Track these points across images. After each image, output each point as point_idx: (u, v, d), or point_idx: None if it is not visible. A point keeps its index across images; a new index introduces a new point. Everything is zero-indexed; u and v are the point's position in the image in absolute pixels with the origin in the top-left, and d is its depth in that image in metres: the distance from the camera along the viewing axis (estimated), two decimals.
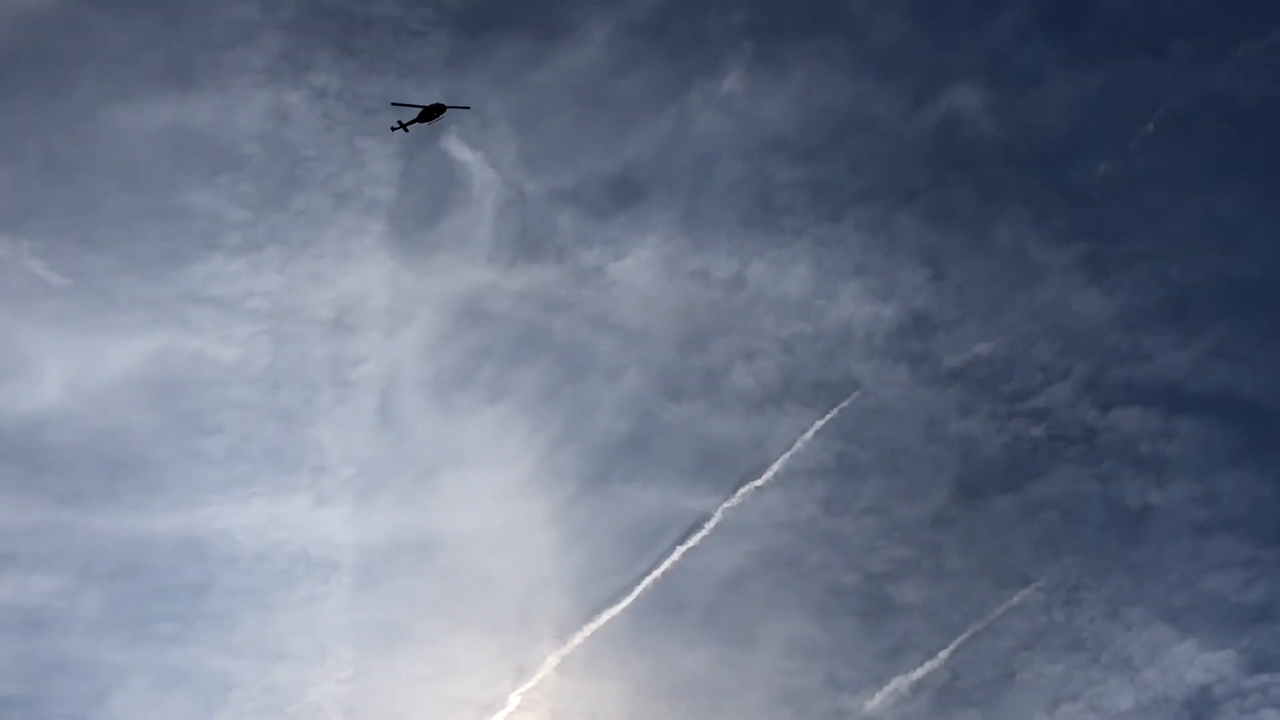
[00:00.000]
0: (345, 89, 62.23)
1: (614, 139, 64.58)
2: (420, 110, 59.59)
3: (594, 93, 64.56)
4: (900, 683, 58.33)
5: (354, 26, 62.42)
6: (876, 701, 58.03)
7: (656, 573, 60.65)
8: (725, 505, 61.09)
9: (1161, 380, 59.18)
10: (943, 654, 58.32)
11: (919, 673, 58.29)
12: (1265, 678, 54.71)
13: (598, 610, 60.37)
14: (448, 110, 59.90)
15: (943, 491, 60.39)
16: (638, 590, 60.52)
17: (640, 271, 63.34)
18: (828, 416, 61.34)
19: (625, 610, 60.25)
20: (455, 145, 63.27)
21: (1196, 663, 55.65)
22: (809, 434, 61.30)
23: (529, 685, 59.83)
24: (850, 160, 63.49)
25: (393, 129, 60.13)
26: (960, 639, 58.39)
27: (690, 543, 60.86)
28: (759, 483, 61.31)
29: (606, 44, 64.29)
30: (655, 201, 64.07)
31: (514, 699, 59.58)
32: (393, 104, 59.79)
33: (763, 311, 62.87)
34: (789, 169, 63.52)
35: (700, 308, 63.18)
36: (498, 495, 62.53)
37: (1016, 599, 58.41)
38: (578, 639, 60.24)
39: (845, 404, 61.47)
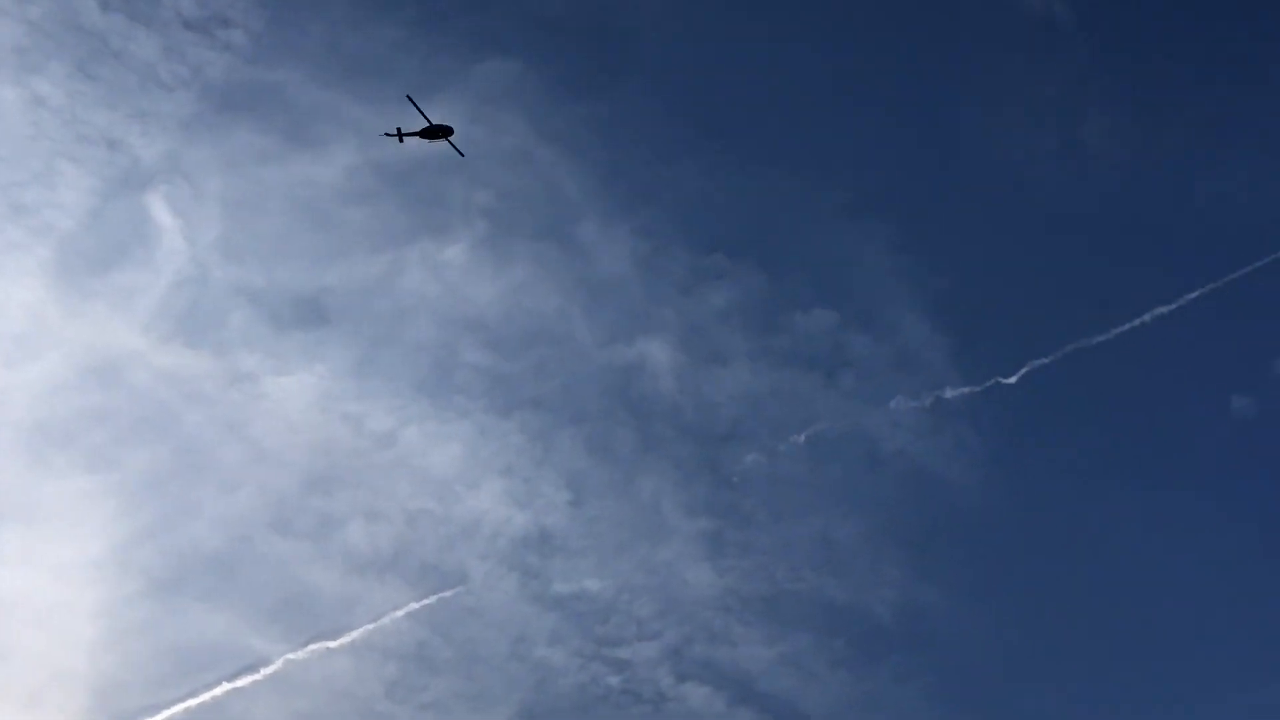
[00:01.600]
0: (66, 108, 59.58)
1: (320, 260, 64.22)
2: (430, 126, 58.42)
3: (318, 210, 64.45)
4: None
5: (103, 54, 60.26)
6: None
7: (192, 702, 56.81)
8: (289, 656, 58.41)
9: (739, 669, 61.60)
10: None
11: None
12: None
13: None
14: (450, 140, 59.20)
15: (507, 709, 60.01)
16: (164, 714, 56.40)
17: (296, 395, 61.98)
18: (424, 601, 60.43)
19: None
20: (159, 206, 61.23)
21: None
22: (400, 612, 60.07)
23: None
24: (537, 366, 65.10)
25: (387, 134, 58.99)
26: None
27: (239, 682, 57.59)
28: (333, 644, 59.18)
29: (347, 170, 64.54)
30: (337, 334, 63.68)
31: None
32: (408, 96, 57.60)
33: (401, 477, 62.41)
34: (477, 352, 64.53)
35: (341, 451, 62.11)
36: (57, 566, 57.88)
37: None
38: None
39: (447, 594, 60.82)
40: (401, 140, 59.74)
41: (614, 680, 60.88)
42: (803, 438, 64.57)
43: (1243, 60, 68.98)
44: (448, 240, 65.54)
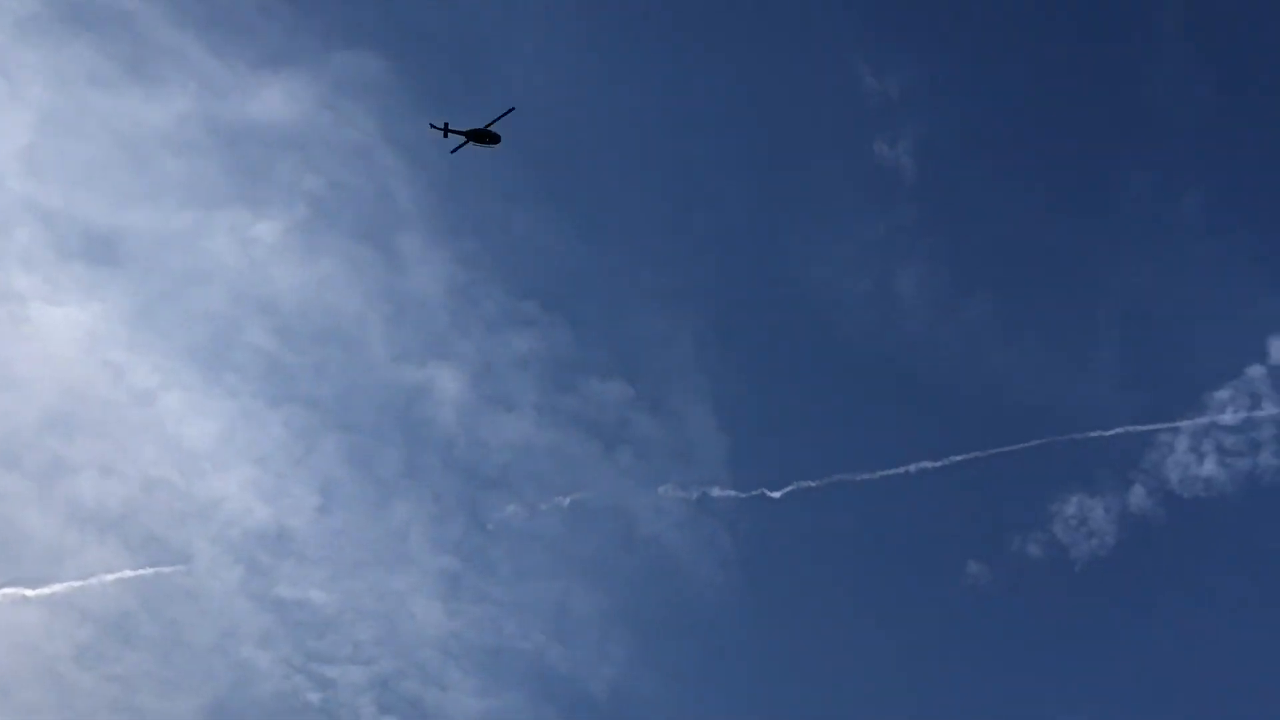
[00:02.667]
0: None
1: (126, 199, 62.36)
2: (481, 129, 57.98)
3: (138, 148, 62.76)
4: None
5: None
6: None
7: None
8: None
9: (443, 715, 60.85)
10: None
11: None
12: None
13: None
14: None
15: (197, 700, 57.87)
16: None
17: (62, 328, 59.96)
18: (140, 571, 58.36)
19: None
20: None
21: None
22: (111, 576, 57.69)
23: None
24: (319, 364, 64.55)
25: (433, 126, 57.79)
26: None
27: None
28: (30, 593, 56.20)
29: (180, 116, 62.87)
30: (122, 278, 61.72)
31: None
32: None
33: (150, 440, 60.51)
34: (262, 335, 63.68)
35: (94, 398, 59.81)
36: None
37: None
38: None
39: (165, 570, 58.89)
40: (446, 135, 58.38)
41: (314, 697, 59.37)
42: (567, 501, 64.91)
43: (1054, 251, 73.56)
44: (263, 215, 63.98)
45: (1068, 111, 74.17)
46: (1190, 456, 64.37)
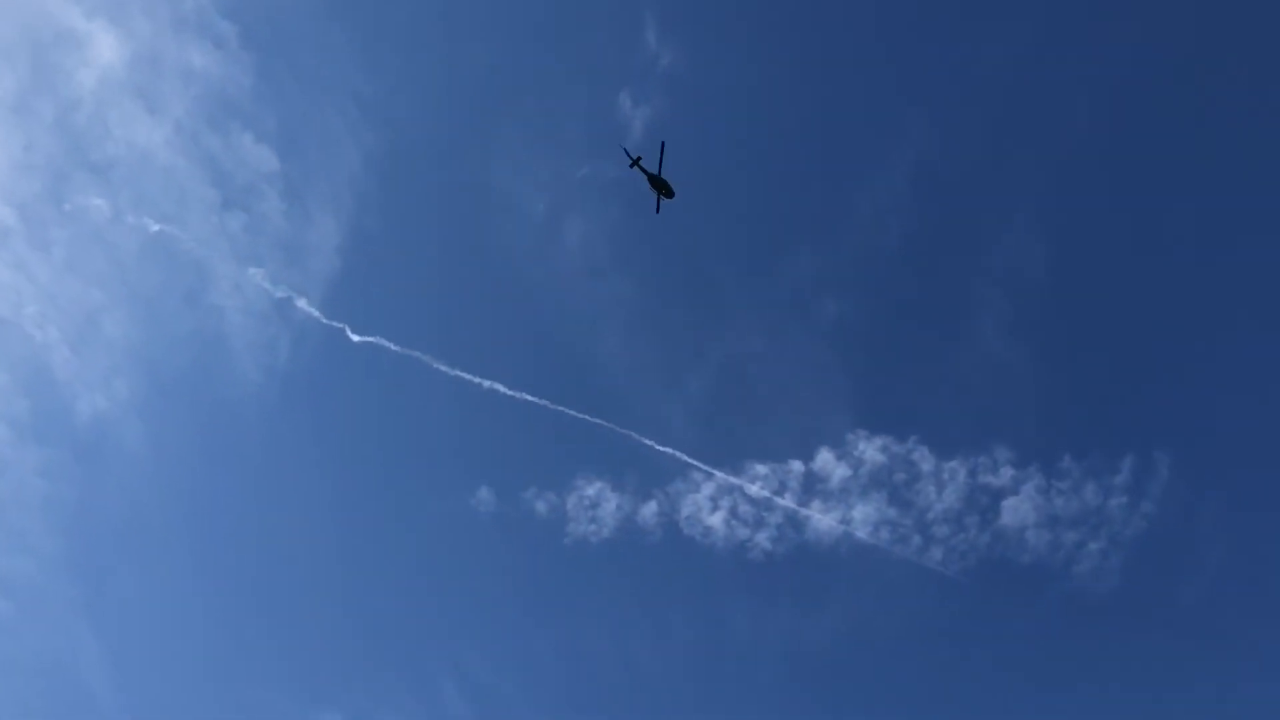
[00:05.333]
0: None
1: None
2: (659, 177, 63.04)
3: None
4: None
5: None
6: None
7: None
8: None
9: None
10: None
11: None
12: None
13: None
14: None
15: None
16: None
17: None
18: None
19: None
20: None
21: None
22: None
23: None
24: None
25: (626, 150, 62.33)
26: None
27: None
28: None
29: None
30: None
31: None
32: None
33: None
34: None
35: None
36: None
37: None
38: None
39: None
40: (631, 166, 62.71)
41: None
42: None
43: None
44: None
45: None
46: (708, 504, 69.92)
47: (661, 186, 64.13)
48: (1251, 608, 68.89)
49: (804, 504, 69.34)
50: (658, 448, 70.00)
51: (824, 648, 70.70)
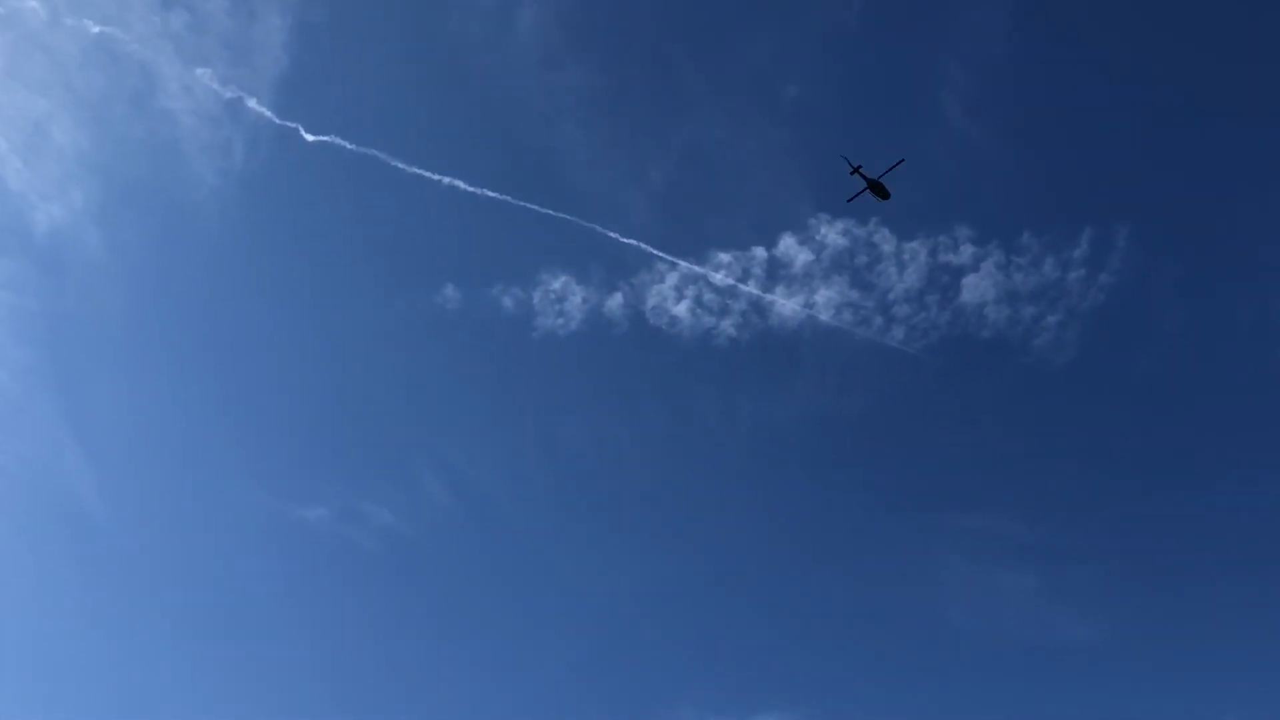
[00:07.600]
0: None
1: None
2: (879, 182, 62.71)
3: None
4: None
5: None
6: None
7: None
8: None
9: None
10: None
11: None
12: None
13: None
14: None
15: None
16: None
17: None
18: None
19: None
20: None
21: None
22: None
23: None
24: None
25: (847, 159, 61.75)
26: None
27: None
28: None
29: None
30: None
31: None
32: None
33: None
34: None
35: None
36: None
37: None
38: None
39: None
40: (852, 174, 62.27)
41: None
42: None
43: None
44: None
45: None
46: (672, 293, 70.60)
47: (879, 190, 63.38)
48: (1206, 376, 71.04)
49: (768, 290, 70.18)
50: (621, 239, 70.21)
51: (790, 428, 72.95)
